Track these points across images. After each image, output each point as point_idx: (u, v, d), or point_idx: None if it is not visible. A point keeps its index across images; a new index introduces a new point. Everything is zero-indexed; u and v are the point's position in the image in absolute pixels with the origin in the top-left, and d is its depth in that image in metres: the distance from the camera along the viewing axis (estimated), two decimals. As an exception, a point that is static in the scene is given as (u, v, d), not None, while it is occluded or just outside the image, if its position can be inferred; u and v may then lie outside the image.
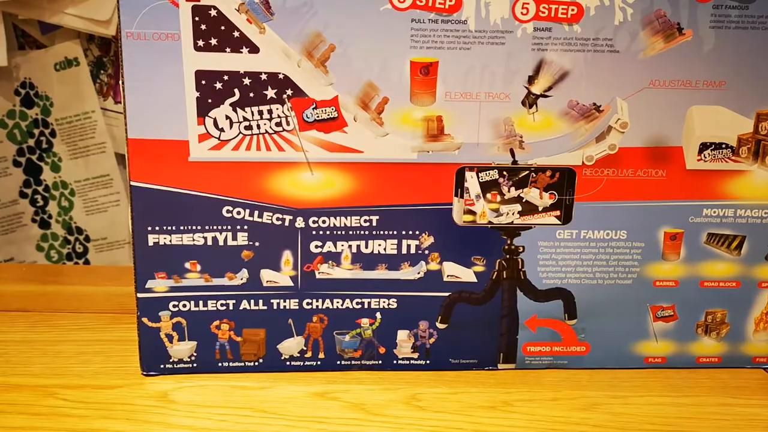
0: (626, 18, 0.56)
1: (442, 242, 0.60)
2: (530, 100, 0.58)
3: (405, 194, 0.59)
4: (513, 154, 0.59)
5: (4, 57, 0.83)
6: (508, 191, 0.60)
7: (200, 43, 0.55)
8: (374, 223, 0.60)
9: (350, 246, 0.60)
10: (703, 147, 0.60)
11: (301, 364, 0.63)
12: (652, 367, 0.65)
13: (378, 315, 0.62)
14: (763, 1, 0.57)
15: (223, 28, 0.55)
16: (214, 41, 0.55)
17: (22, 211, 0.90)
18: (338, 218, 0.60)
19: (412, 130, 0.58)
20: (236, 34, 0.55)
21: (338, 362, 0.63)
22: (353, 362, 0.63)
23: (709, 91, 0.58)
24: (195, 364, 0.62)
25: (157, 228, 0.58)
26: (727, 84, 0.58)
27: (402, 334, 0.63)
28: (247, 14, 0.55)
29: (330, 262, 0.61)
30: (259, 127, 0.57)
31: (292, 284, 0.61)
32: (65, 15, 0.83)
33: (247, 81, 0.56)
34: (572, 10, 0.56)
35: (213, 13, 0.54)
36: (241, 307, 0.61)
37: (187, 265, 0.60)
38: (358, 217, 0.60)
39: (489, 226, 0.61)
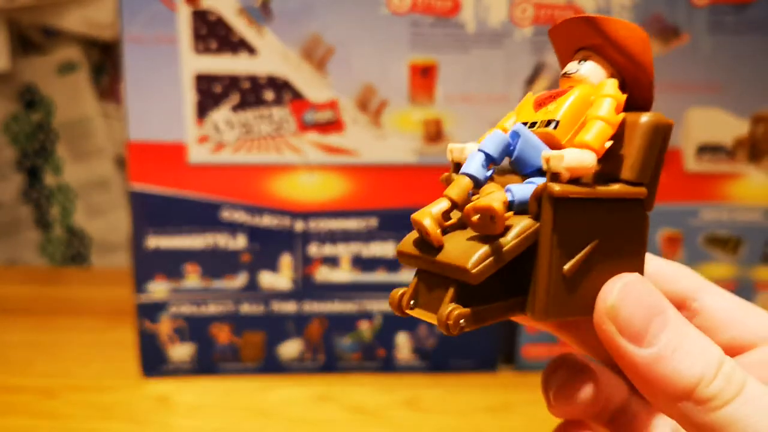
0: (624, 21, 0.56)
1: (440, 245, 0.61)
2: (528, 103, 0.58)
3: (404, 197, 0.59)
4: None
5: (7, 61, 0.84)
6: (507, 194, 0.60)
7: (200, 46, 0.55)
8: (373, 226, 0.60)
9: (349, 249, 0.61)
10: (701, 149, 0.60)
11: (301, 366, 0.63)
12: (651, 369, 0.65)
13: (377, 317, 0.62)
14: (758, 5, 0.57)
15: (222, 31, 0.55)
16: (213, 44, 0.55)
17: (24, 215, 0.90)
18: (337, 221, 0.60)
19: (411, 132, 0.58)
20: (235, 37, 0.55)
21: (337, 365, 0.63)
22: (353, 364, 0.64)
23: (706, 94, 0.59)
24: (195, 367, 0.62)
25: (156, 231, 0.59)
26: (724, 87, 0.59)
27: (402, 337, 0.63)
28: (246, 17, 0.55)
29: (329, 264, 0.61)
30: (258, 129, 0.57)
31: (291, 287, 0.61)
32: (67, 19, 0.83)
33: (246, 84, 0.56)
34: (570, 13, 0.56)
35: (212, 16, 0.55)
36: (240, 310, 0.61)
37: (187, 267, 0.60)
38: (357, 220, 0.60)
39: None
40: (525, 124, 0.25)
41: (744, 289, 0.64)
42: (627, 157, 0.24)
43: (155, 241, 0.59)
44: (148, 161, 0.57)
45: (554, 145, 0.24)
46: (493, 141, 0.24)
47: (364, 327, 0.62)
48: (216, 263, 0.60)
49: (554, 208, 0.22)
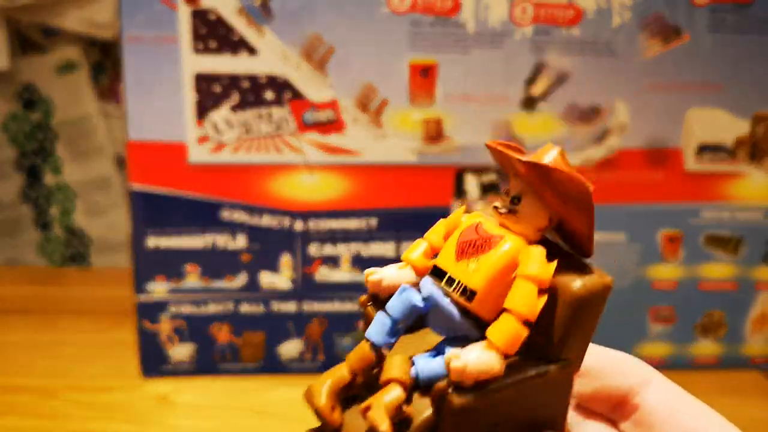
0: (624, 21, 0.56)
1: (441, 244, 0.60)
2: (529, 103, 0.58)
3: (404, 196, 0.59)
4: (511, 157, 0.59)
5: (6, 60, 0.83)
6: (507, 193, 0.60)
7: (199, 45, 0.55)
8: (373, 226, 0.60)
9: (349, 248, 0.60)
10: (702, 149, 0.60)
11: (301, 366, 0.63)
12: (651, 368, 0.65)
13: (377, 317, 0.62)
14: (759, 4, 0.57)
15: (222, 31, 0.55)
16: (213, 44, 0.55)
17: (24, 214, 0.90)
18: (337, 221, 0.60)
19: (411, 132, 0.58)
20: (235, 37, 0.55)
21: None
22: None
23: (707, 94, 0.59)
24: (194, 366, 0.62)
25: (156, 230, 0.59)
26: (725, 86, 0.58)
27: (401, 336, 0.63)
28: (246, 17, 0.55)
29: (329, 264, 0.61)
30: (258, 129, 0.57)
31: (291, 287, 0.61)
32: (66, 19, 0.83)
33: (246, 83, 0.56)
34: (570, 13, 0.56)
35: (212, 16, 0.55)
36: (240, 310, 0.61)
37: (187, 267, 0.60)
38: (357, 220, 0.60)
39: (488, 228, 0.60)
40: (443, 275, 0.22)
41: (745, 289, 0.64)
42: (555, 327, 0.22)
43: (155, 241, 0.59)
44: (147, 161, 0.57)
45: (470, 314, 0.22)
46: (400, 305, 0.22)
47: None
48: (216, 263, 0.60)
49: (453, 417, 0.21)
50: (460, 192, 0.59)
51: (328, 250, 0.60)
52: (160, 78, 0.55)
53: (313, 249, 0.60)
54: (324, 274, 0.61)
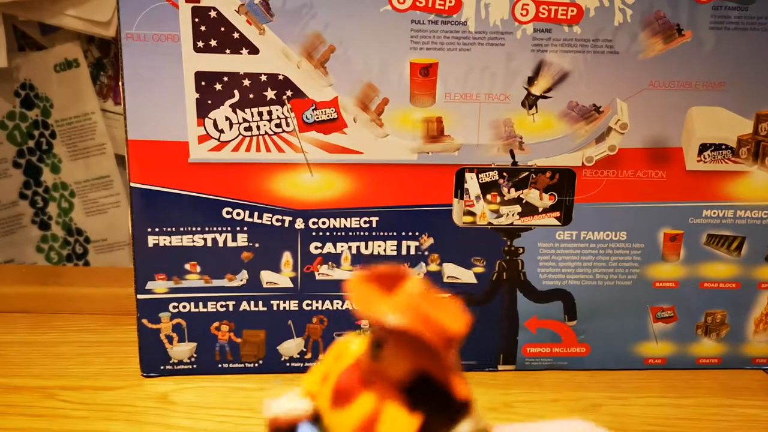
0: (626, 19, 0.56)
1: (442, 243, 0.60)
2: (530, 101, 0.58)
3: (405, 195, 0.59)
4: (513, 155, 0.59)
5: (4, 58, 0.83)
6: (508, 192, 0.60)
7: (200, 44, 0.55)
8: (374, 225, 0.60)
9: (350, 247, 0.60)
10: (703, 148, 0.60)
11: (301, 365, 0.63)
12: (652, 368, 0.65)
13: (378, 316, 0.62)
14: (762, 2, 0.57)
15: (222, 29, 0.55)
16: (213, 42, 0.55)
17: (22, 213, 0.90)
18: (338, 219, 0.60)
19: (411, 131, 0.58)
20: (236, 35, 0.55)
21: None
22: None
23: (709, 92, 0.58)
24: (195, 366, 0.62)
25: (156, 229, 0.58)
26: (727, 85, 0.58)
27: (402, 336, 0.63)
28: (246, 15, 0.55)
29: (330, 263, 0.61)
30: (258, 128, 0.57)
31: (291, 285, 0.61)
32: (65, 16, 0.83)
33: (246, 82, 0.56)
34: (572, 11, 0.56)
35: (213, 14, 0.54)
36: (241, 309, 0.61)
37: (187, 266, 0.60)
38: (358, 219, 0.60)
39: (489, 227, 0.61)
40: (316, 421, 0.24)
41: (747, 289, 0.64)
42: None
43: (156, 240, 0.59)
44: (148, 160, 0.57)
45: None
46: None
47: (365, 326, 0.62)
48: (216, 262, 0.60)
49: None
50: (460, 191, 0.59)
51: (329, 248, 0.60)
52: (160, 76, 0.55)
53: (314, 247, 0.60)
54: (325, 272, 0.61)
